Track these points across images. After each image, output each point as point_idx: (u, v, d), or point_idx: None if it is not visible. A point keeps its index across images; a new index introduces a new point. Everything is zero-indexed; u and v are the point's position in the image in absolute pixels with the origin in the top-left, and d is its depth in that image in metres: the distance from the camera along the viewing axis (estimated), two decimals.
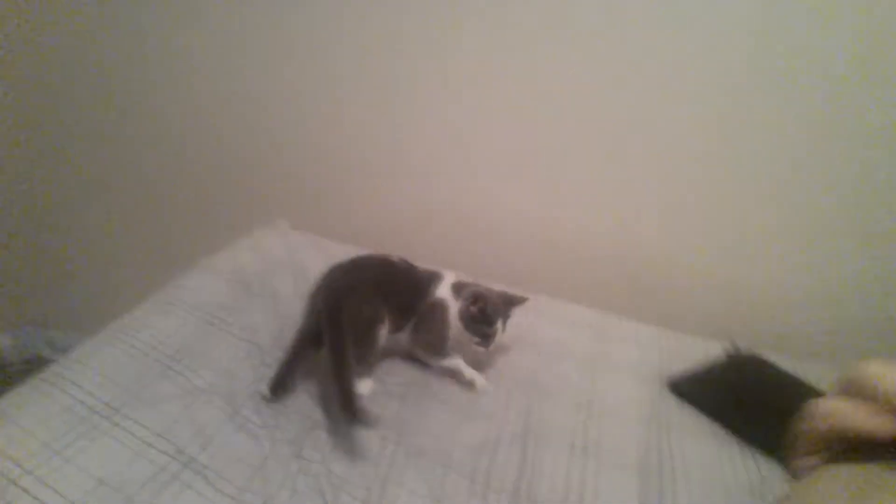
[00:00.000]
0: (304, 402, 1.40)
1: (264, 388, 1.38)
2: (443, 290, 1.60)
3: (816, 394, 1.60)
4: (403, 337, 1.57)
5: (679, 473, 1.35)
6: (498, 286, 1.65)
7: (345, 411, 1.28)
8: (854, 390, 1.26)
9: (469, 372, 1.53)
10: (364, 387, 1.43)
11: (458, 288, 1.60)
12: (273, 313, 1.64)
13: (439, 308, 1.57)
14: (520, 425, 1.42)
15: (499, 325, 1.52)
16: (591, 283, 2.04)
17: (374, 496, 1.19)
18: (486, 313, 1.51)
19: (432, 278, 1.63)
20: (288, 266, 1.86)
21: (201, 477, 1.17)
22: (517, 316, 1.61)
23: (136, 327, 1.47)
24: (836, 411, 1.26)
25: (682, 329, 1.87)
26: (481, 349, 1.53)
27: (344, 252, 1.70)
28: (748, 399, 1.59)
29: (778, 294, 1.92)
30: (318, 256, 1.89)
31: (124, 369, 1.35)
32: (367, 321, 1.45)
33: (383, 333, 1.47)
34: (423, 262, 1.70)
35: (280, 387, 1.39)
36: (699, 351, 1.76)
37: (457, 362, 1.54)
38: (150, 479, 1.15)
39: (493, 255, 2.11)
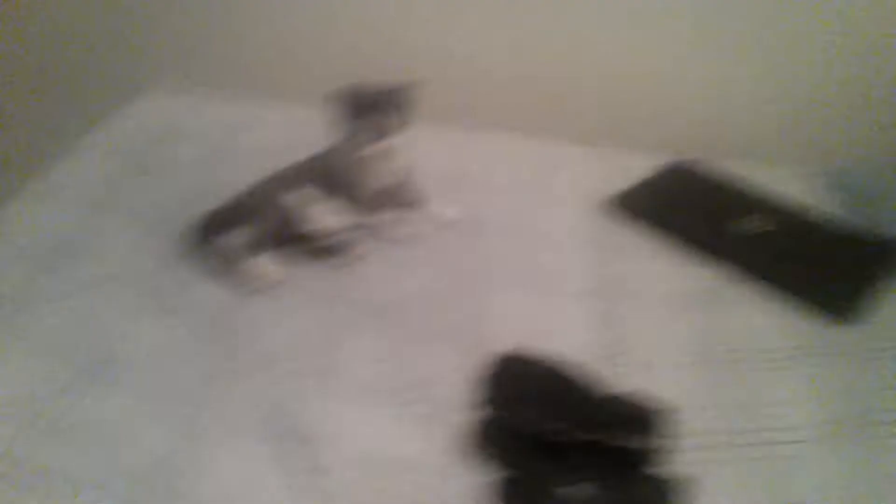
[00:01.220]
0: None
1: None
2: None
3: (758, 196, 1.59)
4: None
5: (627, 291, 1.31)
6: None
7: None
8: None
9: (408, 225, 1.40)
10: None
11: None
12: (175, 186, 1.46)
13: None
14: (463, 265, 1.34)
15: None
16: (522, 109, 1.89)
17: (314, 362, 1.11)
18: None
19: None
20: (184, 132, 1.64)
21: (113, 376, 1.06)
22: (448, 153, 1.47)
23: (11, 223, 1.27)
24: None
25: (624, 146, 1.77)
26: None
27: (244, 110, 1.50)
28: (692, 207, 1.54)
29: (719, 99, 1.82)
30: (215, 118, 1.69)
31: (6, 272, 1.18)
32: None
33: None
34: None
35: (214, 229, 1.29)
36: (642, 167, 1.68)
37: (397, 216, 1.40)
38: (57, 387, 1.02)
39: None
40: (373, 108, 1.25)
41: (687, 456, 0.98)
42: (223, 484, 0.94)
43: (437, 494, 0.93)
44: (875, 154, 1.71)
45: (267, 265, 1.26)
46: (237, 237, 1.29)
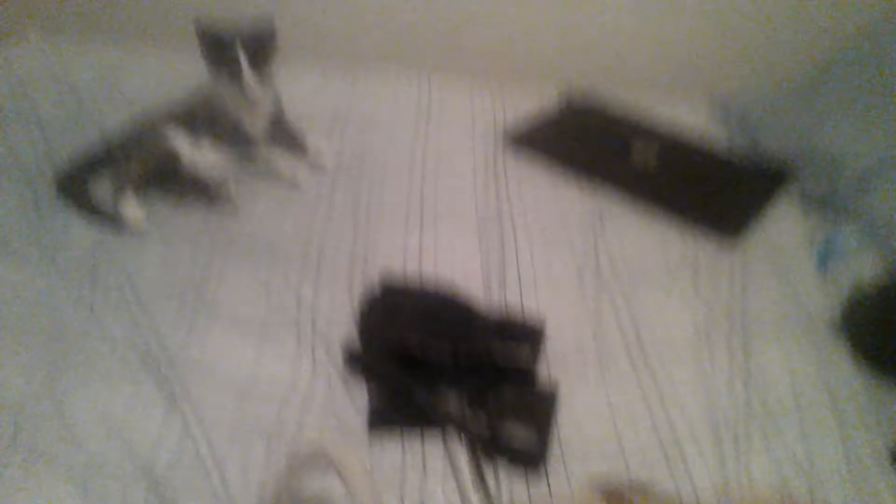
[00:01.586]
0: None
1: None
2: None
3: (649, 126, 1.61)
4: None
5: (517, 220, 1.31)
6: None
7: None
8: None
9: (287, 166, 1.35)
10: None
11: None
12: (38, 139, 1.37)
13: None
14: (349, 203, 1.30)
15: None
16: (412, 46, 1.85)
17: (189, 298, 1.06)
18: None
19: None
20: (47, 83, 1.54)
21: None
22: (336, 93, 1.43)
23: None
24: None
25: (515, 81, 1.76)
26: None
27: (120, 56, 1.41)
28: (584, 138, 1.55)
29: (608, 32, 1.83)
30: (89, 63, 1.59)
31: None
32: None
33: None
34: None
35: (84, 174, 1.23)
36: (534, 101, 1.68)
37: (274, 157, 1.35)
38: None
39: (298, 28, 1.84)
40: (228, 48, 1.18)
41: (567, 371, 0.99)
42: (93, 421, 0.89)
43: (313, 421, 0.91)
44: (759, 83, 1.76)
45: (136, 208, 1.20)
46: (108, 180, 1.23)
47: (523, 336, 0.97)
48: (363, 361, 0.93)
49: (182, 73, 1.35)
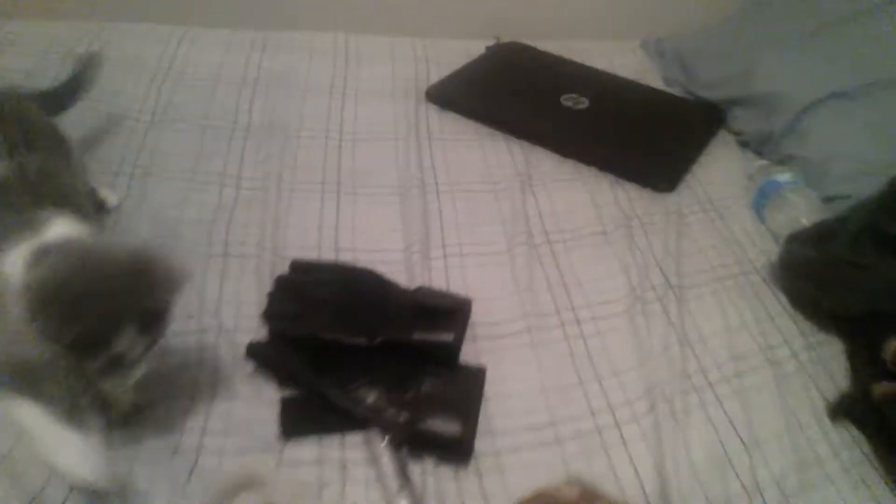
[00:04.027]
0: None
1: None
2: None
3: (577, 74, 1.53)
4: None
5: (443, 182, 1.23)
6: None
7: None
8: None
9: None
10: None
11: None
12: None
13: None
14: (260, 176, 1.19)
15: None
16: (326, 4, 1.70)
17: None
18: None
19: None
20: None
21: None
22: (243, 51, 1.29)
23: None
24: None
25: (437, 34, 1.64)
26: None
27: None
28: (511, 92, 1.46)
29: None
30: None
31: None
32: None
33: None
34: None
35: None
36: (461, 54, 1.57)
37: None
38: None
39: None
40: None
41: (495, 346, 0.93)
42: None
43: (220, 417, 0.82)
44: (689, 20, 1.68)
45: None
46: None
47: (446, 315, 0.89)
48: (270, 358, 0.85)
49: None
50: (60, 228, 0.69)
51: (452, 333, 0.87)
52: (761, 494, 0.80)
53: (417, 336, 0.86)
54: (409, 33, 1.63)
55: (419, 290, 0.95)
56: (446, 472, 0.79)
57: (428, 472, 0.78)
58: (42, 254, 0.65)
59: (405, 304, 0.91)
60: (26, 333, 0.62)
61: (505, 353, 0.92)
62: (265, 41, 1.52)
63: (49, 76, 1.24)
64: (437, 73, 1.49)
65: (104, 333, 0.63)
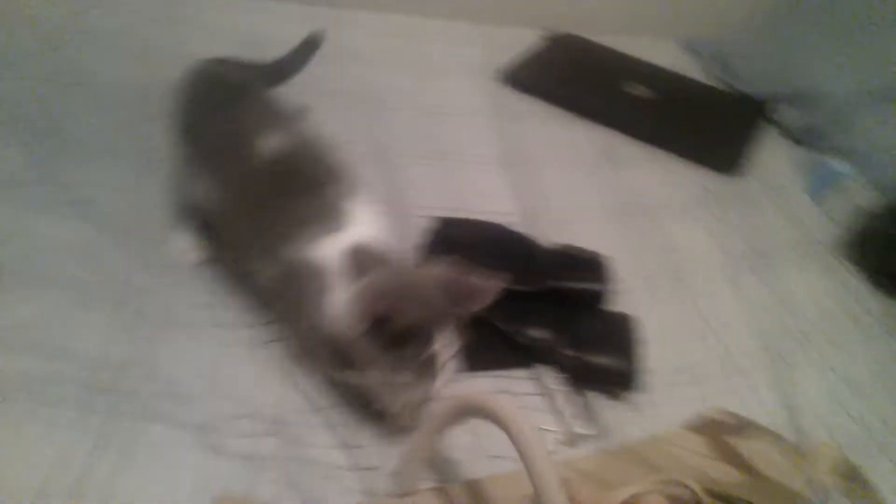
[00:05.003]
0: None
1: None
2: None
3: (635, 65, 1.63)
4: None
5: (530, 158, 1.30)
6: None
7: None
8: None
9: None
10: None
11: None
12: None
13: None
14: (364, 145, 1.23)
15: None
16: None
17: None
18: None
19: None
20: None
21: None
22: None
23: None
24: None
25: (495, 22, 1.72)
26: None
27: None
28: (578, 77, 1.56)
29: None
30: None
31: None
32: None
33: None
34: None
35: None
36: (519, 42, 1.65)
37: None
38: None
39: None
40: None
41: (622, 298, 1.01)
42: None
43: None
44: (727, 20, 1.80)
45: None
46: None
47: (589, 267, 0.97)
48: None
49: None
50: (363, 227, 0.78)
51: (597, 280, 0.95)
52: (868, 428, 0.92)
53: (572, 284, 0.93)
54: (469, 19, 1.69)
55: (553, 244, 1.02)
56: (614, 403, 0.87)
57: (590, 404, 0.86)
58: (360, 252, 0.75)
59: (548, 256, 0.98)
60: (350, 317, 0.70)
61: (626, 307, 1.01)
62: (339, 20, 1.55)
63: None
64: (502, 57, 1.56)
65: (427, 330, 0.70)
